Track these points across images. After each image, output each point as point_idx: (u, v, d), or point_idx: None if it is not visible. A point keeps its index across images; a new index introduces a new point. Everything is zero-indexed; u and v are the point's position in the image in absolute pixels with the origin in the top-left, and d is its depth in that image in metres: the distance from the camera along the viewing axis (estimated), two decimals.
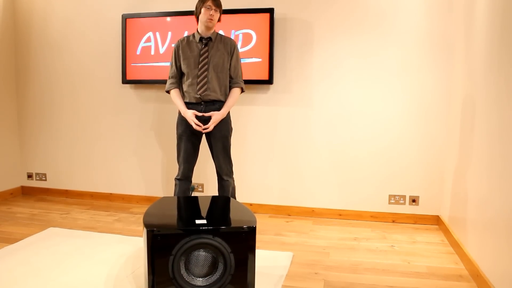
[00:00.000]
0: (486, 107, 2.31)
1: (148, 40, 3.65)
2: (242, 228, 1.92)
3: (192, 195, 3.46)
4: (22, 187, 4.20)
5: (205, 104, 2.77)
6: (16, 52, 4.07)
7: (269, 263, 2.51)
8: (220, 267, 1.90)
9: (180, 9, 3.59)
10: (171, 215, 2.15)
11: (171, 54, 2.92)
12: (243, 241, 1.92)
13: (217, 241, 1.88)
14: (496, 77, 2.18)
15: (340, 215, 3.50)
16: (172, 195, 3.48)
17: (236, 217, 2.10)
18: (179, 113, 2.84)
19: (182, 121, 2.81)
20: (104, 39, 3.84)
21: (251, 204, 3.65)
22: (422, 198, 3.35)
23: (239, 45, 3.44)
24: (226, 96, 2.84)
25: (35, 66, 4.04)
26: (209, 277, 1.91)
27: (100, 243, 2.79)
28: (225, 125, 2.83)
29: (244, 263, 1.92)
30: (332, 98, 3.44)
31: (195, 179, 3.63)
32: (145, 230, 1.90)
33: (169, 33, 3.60)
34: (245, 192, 3.65)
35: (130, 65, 3.70)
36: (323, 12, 3.39)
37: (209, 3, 2.70)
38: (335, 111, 3.44)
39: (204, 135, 2.88)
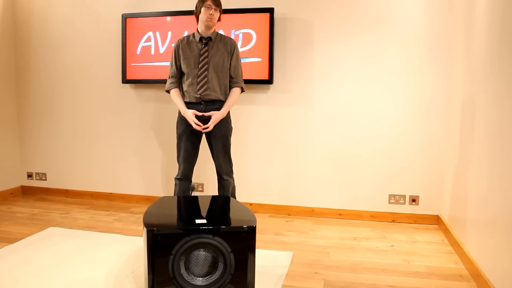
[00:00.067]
0: (486, 107, 2.31)
1: (148, 39, 3.65)
2: (242, 227, 1.92)
3: (192, 194, 3.46)
4: (22, 187, 4.20)
5: (205, 104, 2.77)
6: (16, 52, 4.07)
7: (269, 262, 2.51)
8: (220, 266, 1.90)
9: (180, 9, 3.59)
10: (171, 215, 2.15)
11: (171, 54, 2.92)
12: (243, 241, 1.92)
13: (217, 241, 1.88)
14: (496, 77, 2.18)
15: (340, 214, 3.50)
16: (172, 194, 3.48)
17: (236, 217, 2.10)
18: (179, 113, 2.84)
19: (182, 121, 2.81)
20: (104, 39, 3.84)
21: (251, 204, 3.65)
22: (422, 197, 3.35)
23: (239, 44, 3.44)
24: (226, 95, 2.83)
25: (35, 65, 4.04)
26: (209, 277, 1.91)
27: (100, 242, 2.79)
28: (225, 124, 2.83)
29: (244, 262, 1.92)
30: (332, 98, 3.44)
31: (195, 179, 3.63)
32: (145, 229, 1.90)
33: (169, 33, 3.59)
34: (245, 192, 3.65)
35: (130, 64, 3.70)
36: (323, 12, 3.39)
37: (209, 2, 2.69)
38: (335, 111, 3.44)
39: (204, 135, 2.88)
